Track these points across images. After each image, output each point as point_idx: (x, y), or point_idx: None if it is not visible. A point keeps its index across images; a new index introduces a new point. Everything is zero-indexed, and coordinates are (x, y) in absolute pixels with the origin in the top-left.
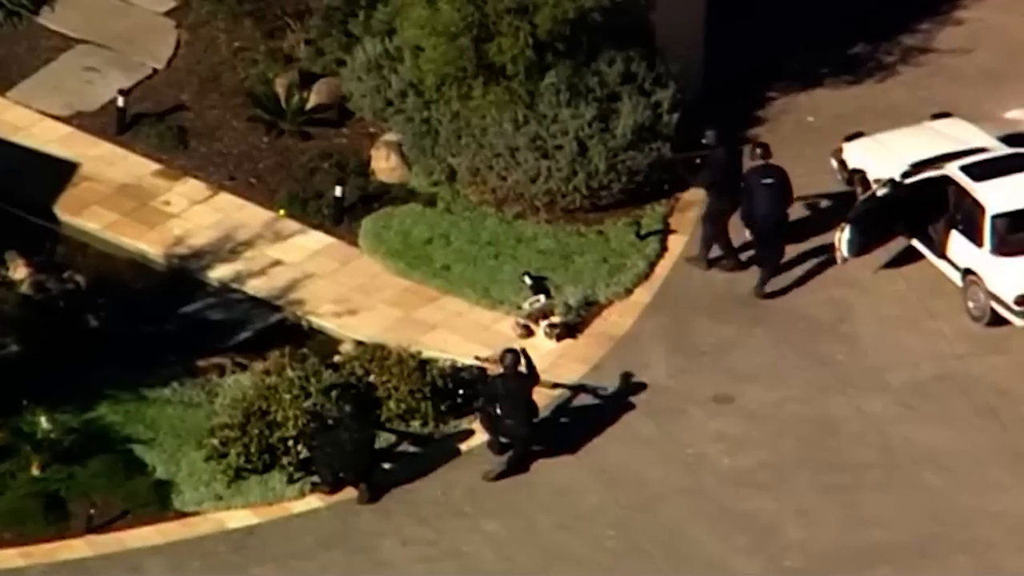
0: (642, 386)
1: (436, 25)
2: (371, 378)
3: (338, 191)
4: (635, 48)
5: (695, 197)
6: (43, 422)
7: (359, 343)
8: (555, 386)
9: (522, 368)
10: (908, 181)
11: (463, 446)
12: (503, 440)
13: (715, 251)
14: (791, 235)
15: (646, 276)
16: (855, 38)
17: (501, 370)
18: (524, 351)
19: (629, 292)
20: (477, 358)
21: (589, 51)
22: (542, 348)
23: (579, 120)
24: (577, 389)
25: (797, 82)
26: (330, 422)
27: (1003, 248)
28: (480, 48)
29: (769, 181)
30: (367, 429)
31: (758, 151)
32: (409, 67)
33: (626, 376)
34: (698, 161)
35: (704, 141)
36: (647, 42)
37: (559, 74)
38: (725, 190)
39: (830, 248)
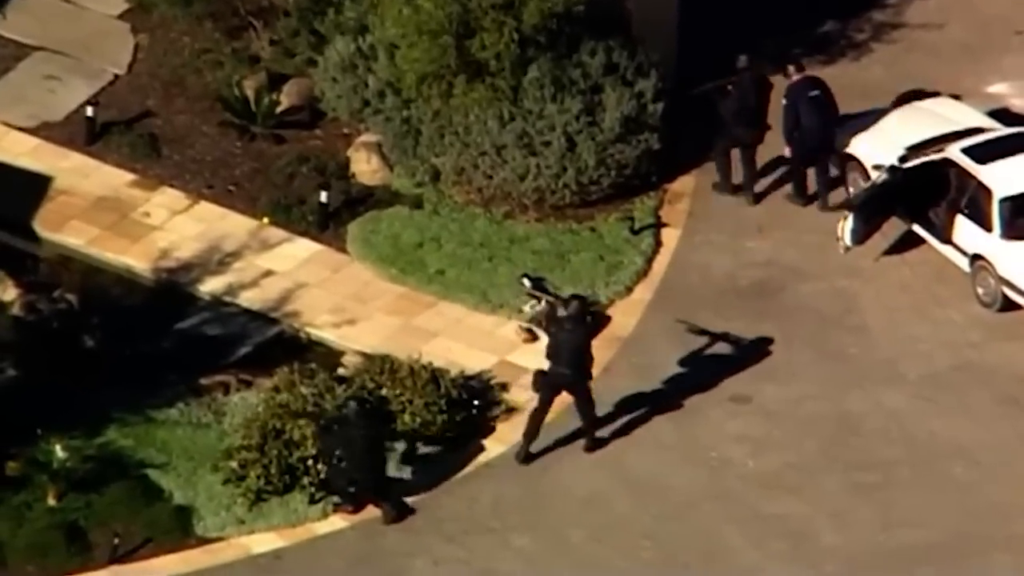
0: (656, 387)
1: (418, 23)
2: (383, 391)
3: (323, 197)
4: (615, 37)
5: (684, 188)
6: (58, 451)
7: (362, 354)
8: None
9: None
10: (906, 165)
11: (482, 458)
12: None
13: (738, 175)
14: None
15: (644, 273)
16: (825, 17)
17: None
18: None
19: (629, 290)
20: (557, 295)
21: (570, 43)
22: None
23: (566, 114)
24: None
25: (771, 65)
26: (335, 426)
27: (1013, 232)
28: (462, 45)
29: (815, 93)
30: (375, 426)
31: (792, 67)
32: (385, 66)
33: (639, 378)
34: (729, 87)
35: (737, 65)
36: (626, 31)
37: (541, 68)
38: (743, 120)
39: (831, 237)
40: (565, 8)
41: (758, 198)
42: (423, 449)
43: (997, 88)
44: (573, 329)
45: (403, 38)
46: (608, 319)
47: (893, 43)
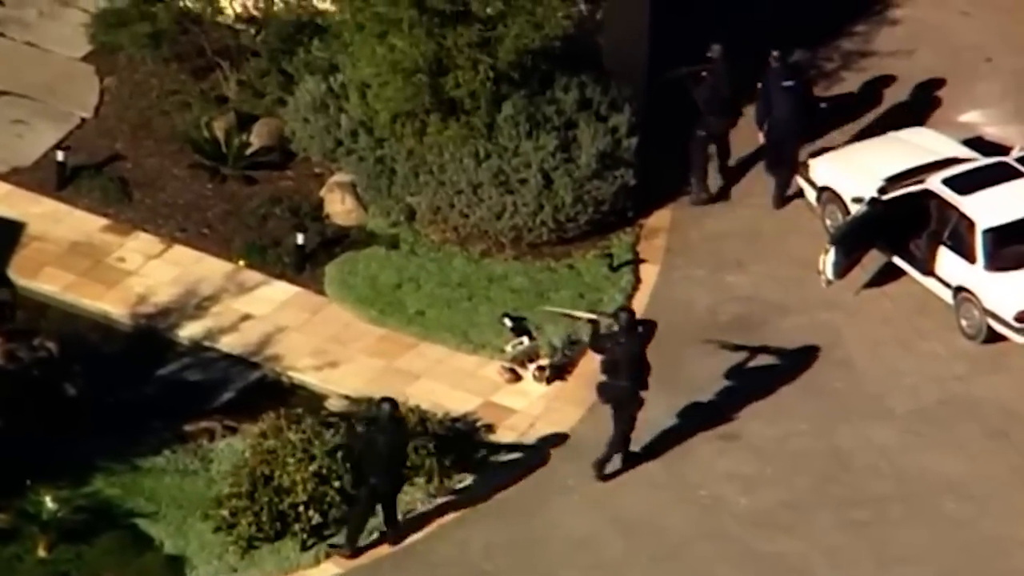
0: (643, 426)
1: (393, 62)
2: None
3: (300, 239)
4: (587, 73)
5: (660, 223)
6: (48, 502)
7: (346, 397)
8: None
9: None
10: (886, 197)
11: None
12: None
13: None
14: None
15: None
16: (793, 46)
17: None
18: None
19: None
20: (592, 310)
21: (543, 79)
22: (532, 392)
23: (542, 151)
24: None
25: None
26: (364, 425)
27: (997, 263)
28: (436, 83)
29: (789, 84)
30: (402, 434)
31: (775, 54)
32: (357, 105)
33: None
34: (703, 74)
35: (708, 55)
36: (597, 66)
37: (515, 105)
38: (715, 109)
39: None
40: (541, 45)
41: (725, 191)
42: (414, 492)
43: (969, 116)
44: (628, 341)
45: (377, 77)
46: (656, 325)
47: (862, 71)
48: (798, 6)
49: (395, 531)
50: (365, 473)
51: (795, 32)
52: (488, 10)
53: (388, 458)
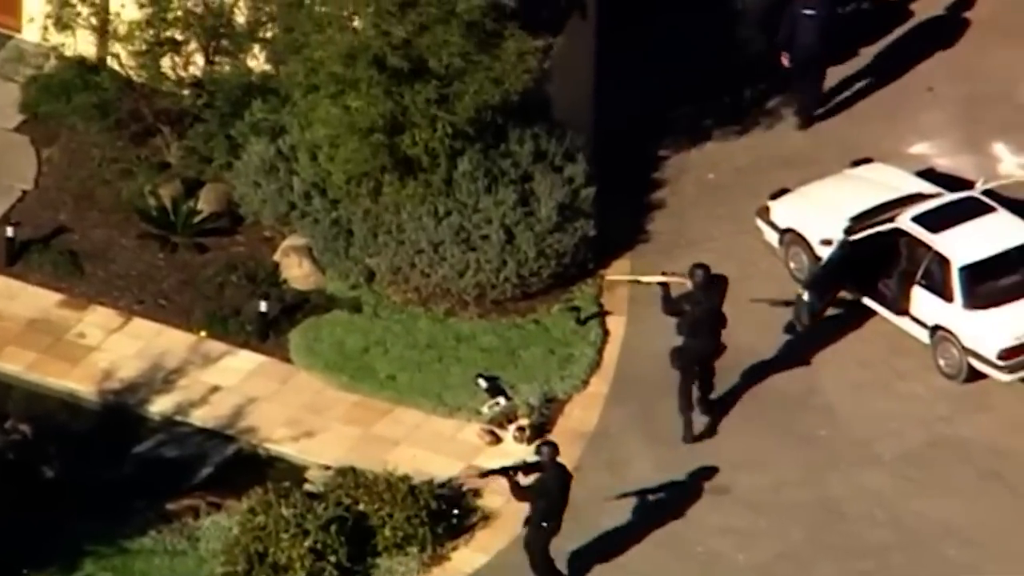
0: (633, 483)
1: (349, 123)
2: (361, 507)
3: (262, 306)
4: (539, 124)
5: (621, 273)
6: None
7: (327, 468)
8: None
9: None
10: (855, 237)
11: (467, 568)
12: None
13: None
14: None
15: (597, 364)
16: (735, 85)
17: (690, 286)
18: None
19: (585, 384)
20: (663, 273)
21: (497, 132)
22: (515, 454)
23: (502, 206)
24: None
25: (685, 137)
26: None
27: (975, 301)
28: (392, 142)
29: (811, 12)
30: (567, 476)
31: None
32: (307, 167)
33: (611, 474)
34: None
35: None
36: (548, 115)
37: (472, 160)
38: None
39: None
40: (500, 100)
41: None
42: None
43: (919, 148)
44: (707, 298)
45: (332, 138)
46: (727, 279)
47: None
48: (735, 48)
49: None
50: (540, 521)
51: (733, 73)
52: (446, 66)
53: (561, 502)
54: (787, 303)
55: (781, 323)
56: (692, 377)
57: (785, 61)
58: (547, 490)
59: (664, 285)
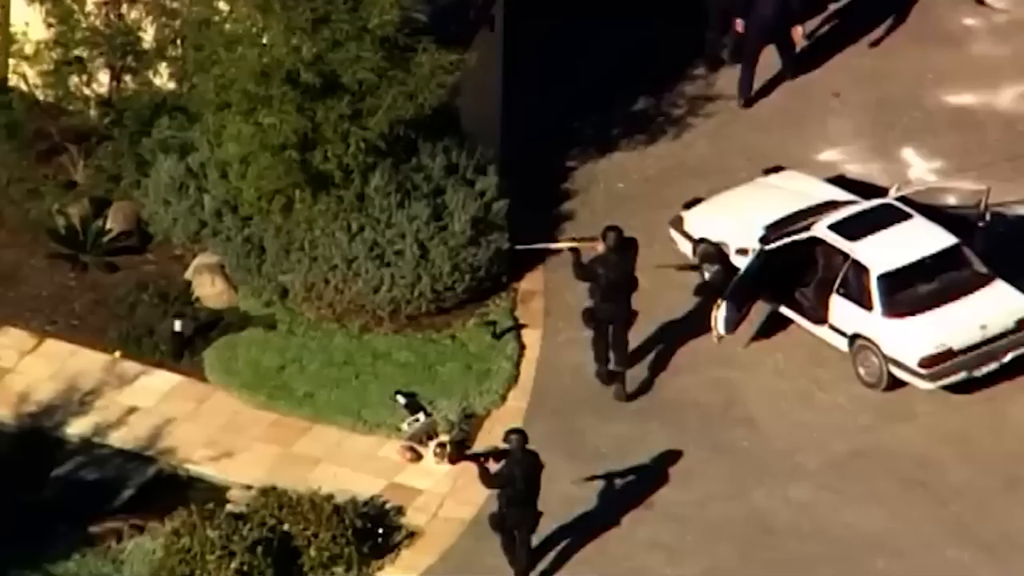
0: (557, 500)
1: (262, 140)
2: (286, 527)
3: (177, 325)
4: (450, 137)
5: (535, 286)
6: None
7: (248, 488)
8: None
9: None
10: (771, 247)
11: None
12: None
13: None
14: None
15: (515, 379)
16: (638, 95)
17: (601, 249)
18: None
19: (504, 399)
20: (573, 239)
21: (407, 146)
22: (436, 471)
23: (415, 221)
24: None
25: (592, 148)
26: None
27: (895, 309)
28: (305, 158)
29: None
30: (537, 465)
31: None
32: (218, 184)
33: None
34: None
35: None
36: (458, 129)
37: (384, 175)
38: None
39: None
40: (413, 115)
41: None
42: None
43: (828, 155)
44: (621, 259)
45: (245, 156)
46: (637, 242)
47: (711, 116)
48: (638, 56)
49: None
50: (504, 506)
51: (637, 82)
52: (359, 82)
53: (527, 490)
54: (693, 268)
55: (694, 334)
56: (606, 338)
57: (739, 28)
58: (512, 478)
59: (575, 250)
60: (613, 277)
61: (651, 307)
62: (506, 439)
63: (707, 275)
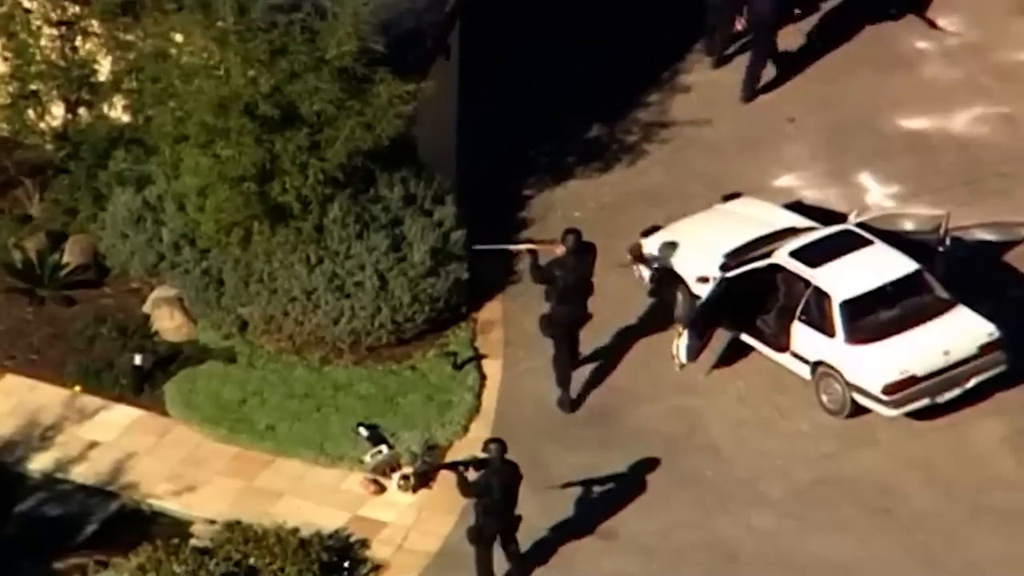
0: (519, 530)
1: (220, 172)
2: (252, 561)
3: (137, 359)
4: (407, 167)
5: (493, 315)
6: None
7: (212, 522)
8: None
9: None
10: (732, 274)
11: None
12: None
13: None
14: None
15: (477, 410)
16: (592, 122)
17: (560, 252)
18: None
19: (466, 430)
20: (531, 240)
21: (365, 177)
22: (400, 503)
23: (374, 252)
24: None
25: (547, 176)
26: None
27: (857, 336)
28: (263, 189)
29: None
30: (515, 474)
31: None
32: (175, 217)
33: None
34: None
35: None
36: (415, 159)
37: (342, 206)
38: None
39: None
40: (371, 145)
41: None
42: None
43: (784, 181)
44: (579, 263)
45: (203, 188)
46: (595, 246)
47: (666, 143)
48: (589, 83)
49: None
50: (480, 516)
51: (589, 108)
52: (317, 113)
53: (504, 500)
54: (651, 293)
55: (654, 363)
56: (566, 345)
57: (739, 25)
58: (489, 487)
59: (533, 252)
60: (571, 280)
61: (609, 336)
62: (485, 448)
63: (675, 310)
